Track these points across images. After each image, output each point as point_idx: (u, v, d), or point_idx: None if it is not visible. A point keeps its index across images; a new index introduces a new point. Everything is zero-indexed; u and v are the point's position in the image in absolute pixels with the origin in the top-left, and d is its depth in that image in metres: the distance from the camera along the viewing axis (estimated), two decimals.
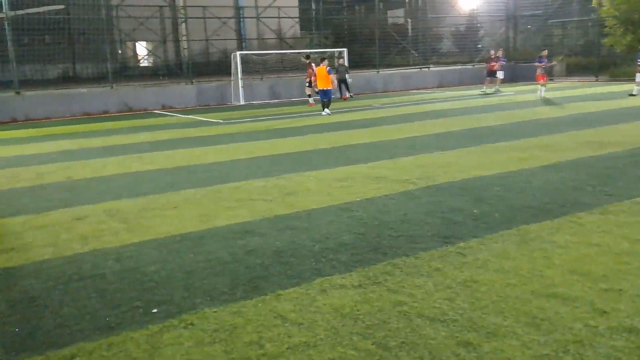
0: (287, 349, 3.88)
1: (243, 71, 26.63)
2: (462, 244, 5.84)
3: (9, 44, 22.58)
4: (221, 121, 19.45)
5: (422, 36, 35.24)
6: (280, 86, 28.51)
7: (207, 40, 33.64)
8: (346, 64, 28.65)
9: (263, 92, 28.09)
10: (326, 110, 19.86)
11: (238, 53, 26.80)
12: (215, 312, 4.51)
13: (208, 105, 26.46)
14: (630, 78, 30.36)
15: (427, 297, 4.59)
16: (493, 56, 27.65)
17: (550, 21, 37.07)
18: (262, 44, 34.02)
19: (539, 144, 11.85)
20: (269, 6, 31.49)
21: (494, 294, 4.61)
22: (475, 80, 34.65)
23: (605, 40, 32.06)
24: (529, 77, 33.18)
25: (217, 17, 31.41)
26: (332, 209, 7.41)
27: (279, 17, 34.24)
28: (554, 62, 25.40)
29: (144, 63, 36.76)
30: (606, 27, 31.66)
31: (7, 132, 18.83)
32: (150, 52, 34.07)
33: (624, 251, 5.48)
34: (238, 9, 36.33)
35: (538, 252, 5.56)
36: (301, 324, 4.24)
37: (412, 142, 12.93)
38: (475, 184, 8.47)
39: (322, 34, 35.20)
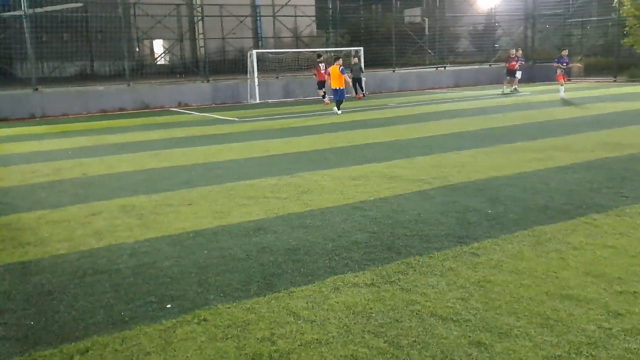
0: (299, 345, 3.90)
1: (259, 69, 26.70)
2: (476, 244, 5.82)
3: (28, 41, 22.83)
4: (236, 119, 19.52)
5: (439, 35, 35.12)
6: (295, 85, 28.55)
7: (223, 38, 33.77)
8: (362, 63, 28.62)
9: (278, 90, 28.16)
10: (335, 109, 19.80)
11: (254, 51, 26.87)
12: (228, 308, 4.53)
13: (224, 104, 26.56)
14: None
15: (440, 297, 4.58)
16: (513, 55, 27.43)
17: (570, 21, 36.72)
18: (278, 42, 34.06)
19: (555, 144, 11.75)
20: (286, 4, 31.55)
21: (508, 295, 4.58)
22: (492, 80, 34.48)
23: (625, 41, 31.70)
24: (546, 77, 32.98)
25: (233, 16, 31.52)
26: (346, 208, 7.41)
27: (295, 16, 34.29)
28: (577, 65, 25.04)
29: (160, 61, 36.99)
30: (626, 26, 31.31)
31: (24, 128, 19.05)
32: (167, 50, 34.28)
33: (639, 253, 5.43)
34: (255, 7, 36.43)
35: (553, 253, 5.52)
36: (313, 321, 4.25)
37: (427, 141, 12.89)
38: (490, 184, 8.42)
39: (339, 32, 35.18)
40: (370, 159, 10.87)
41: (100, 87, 24.91)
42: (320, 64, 25.04)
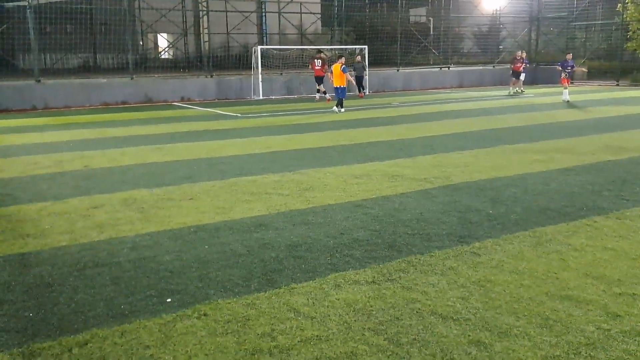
0: (299, 342, 3.91)
1: (263, 66, 26.68)
2: (477, 244, 5.83)
3: (31, 32, 22.82)
4: (239, 115, 19.52)
5: (444, 35, 35.06)
6: (299, 82, 28.52)
7: (228, 33, 33.74)
8: (366, 61, 28.59)
9: (282, 87, 28.14)
10: (335, 107, 19.74)
11: (259, 47, 26.85)
12: (228, 303, 4.54)
13: (227, 99, 26.55)
14: None
15: (440, 296, 4.59)
16: (519, 57, 27.43)
17: (574, 24, 36.68)
18: (283, 39, 34.03)
19: (557, 146, 11.75)
20: (291, 1, 31.52)
21: (508, 295, 4.60)
22: (495, 81, 34.47)
23: (629, 45, 31.67)
24: (549, 80, 32.95)
25: (238, 11, 31.48)
26: (348, 206, 7.42)
27: (300, 13, 34.26)
28: (582, 69, 24.92)
29: (164, 55, 36.98)
30: (630, 31, 31.28)
31: (26, 119, 19.05)
32: (171, 44, 34.26)
33: (639, 256, 5.44)
34: (260, 3, 36.38)
35: (553, 254, 5.53)
36: (314, 317, 4.26)
37: (430, 141, 12.89)
38: (492, 185, 8.43)
39: (344, 30, 35.16)
40: (372, 157, 10.87)
41: (103, 80, 24.88)
42: (315, 59, 24.93)
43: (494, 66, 35.95)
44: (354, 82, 25.03)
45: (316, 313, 4.33)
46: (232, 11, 31.72)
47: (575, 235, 6.09)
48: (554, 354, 3.69)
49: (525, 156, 10.69)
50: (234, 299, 4.61)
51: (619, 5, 32.08)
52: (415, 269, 5.20)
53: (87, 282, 5.04)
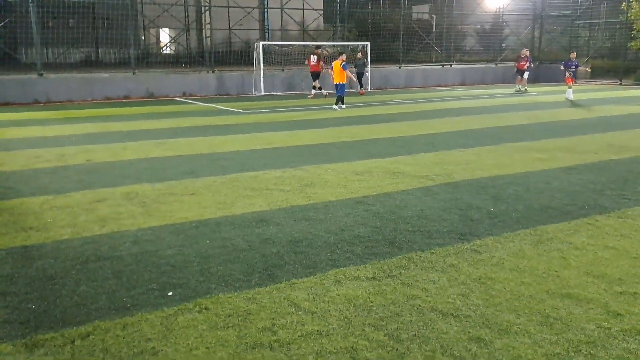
0: (299, 336, 3.92)
1: (264, 62, 26.65)
2: (478, 242, 5.85)
3: (34, 26, 22.80)
4: (241, 111, 19.52)
5: (447, 33, 35.00)
6: (301, 78, 28.49)
7: (230, 29, 33.71)
8: (368, 58, 28.56)
9: (284, 83, 28.12)
10: (335, 105, 19.69)
11: (261, 43, 26.83)
12: (229, 297, 4.56)
13: (228, 95, 26.54)
14: None
15: (441, 292, 4.61)
16: (523, 55, 27.43)
17: (578, 22, 36.61)
18: (285, 35, 33.99)
19: (559, 145, 11.75)
20: None
21: (508, 292, 4.61)
22: (498, 79, 34.46)
23: (632, 44, 31.61)
24: (552, 78, 32.92)
25: (241, 7, 31.45)
26: (349, 202, 7.43)
27: (303, 9, 34.20)
28: (586, 69, 24.79)
29: (166, 50, 36.94)
30: (634, 30, 31.21)
31: (28, 113, 19.06)
32: (173, 40, 34.24)
33: None
34: None
35: (554, 252, 5.54)
36: (314, 312, 4.27)
37: (431, 138, 12.89)
38: (493, 183, 8.43)
39: (346, 27, 35.11)
40: (374, 154, 10.88)
41: (105, 74, 24.87)
42: (311, 55, 24.79)
43: (496, 64, 35.90)
44: (355, 79, 24.91)
45: (317, 308, 4.35)
46: (234, 7, 31.66)
47: (577, 234, 6.10)
48: (554, 351, 3.71)
49: (527, 154, 10.70)
50: (235, 294, 4.63)
51: (623, 3, 32.01)
52: (416, 265, 5.21)
53: (90, 275, 5.06)
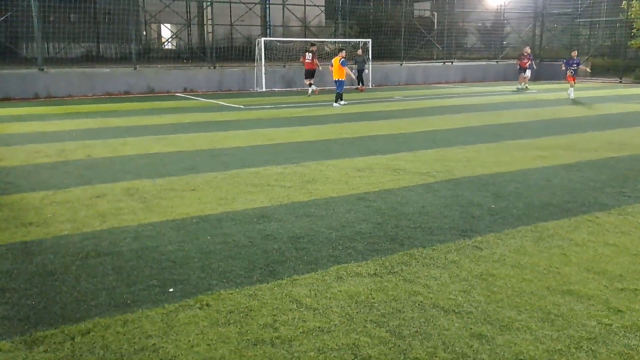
0: (301, 333, 3.92)
1: (266, 58, 26.63)
2: (479, 238, 5.84)
3: (35, 21, 22.77)
4: (242, 107, 19.50)
5: (448, 30, 34.95)
6: (302, 74, 28.43)
7: (231, 25, 33.66)
8: (370, 55, 28.51)
9: (285, 79, 28.09)
10: (335, 103, 19.64)
11: (262, 39, 26.79)
12: (231, 294, 4.55)
13: (230, 90, 26.53)
14: None
15: (442, 289, 4.60)
16: (525, 54, 27.43)
17: (578, 20, 36.58)
18: (287, 31, 33.93)
19: (560, 143, 11.74)
20: None
21: (510, 289, 4.61)
22: (499, 76, 34.44)
23: (633, 42, 31.59)
24: (553, 76, 32.90)
25: (242, 3, 31.40)
26: (350, 198, 7.42)
27: (304, 5, 34.16)
28: (586, 68, 24.71)
29: (167, 46, 36.90)
30: (634, 28, 31.19)
31: (29, 108, 19.04)
32: (175, 35, 34.18)
33: None
34: None
35: (555, 249, 5.54)
36: (316, 309, 4.27)
37: (432, 135, 12.88)
38: (494, 180, 8.43)
39: (347, 23, 35.06)
40: (375, 150, 10.87)
41: (106, 70, 24.83)
42: (306, 53, 24.57)
43: (497, 62, 35.88)
44: (354, 76, 24.67)
45: (318, 304, 4.34)
46: (236, 2, 31.63)
47: (577, 231, 6.09)
48: (556, 347, 3.70)
49: (528, 152, 10.69)
50: (236, 290, 4.62)
51: (624, 2, 31.98)
52: (418, 262, 5.21)
53: (90, 271, 5.05)
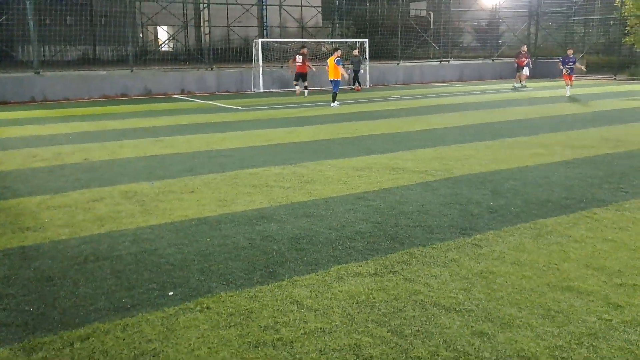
0: (302, 334, 3.91)
1: (263, 59, 26.59)
2: (478, 236, 5.84)
3: (31, 24, 22.71)
4: (240, 108, 19.49)
5: (444, 29, 34.97)
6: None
7: (228, 26, 33.61)
8: (367, 55, 28.49)
9: (282, 80, 28.06)
10: (333, 103, 19.61)
11: (259, 40, 26.76)
12: (231, 296, 4.54)
13: (227, 92, 26.50)
14: None
15: (443, 287, 4.60)
16: (523, 52, 27.51)
17: (573, 19, 36.66)
18: (284, 32, 33.91)
19: (557, 140, 11.76)
20: None
21: (510, 286, 4.61)
22: (495, 75, 34.49)
23: (626, 40, 31.68)
24: (548, 74, 32.97)
25: (239, 4, 31.36)
26: (349, 198, 7.41)
27: (301, 6, 34.12)
28: (582, 67, 24.65)
29: (164, 47, 36.85)
30: (628, 26, 31.30)
31: (25, 111, 19.00)
32: (172, 37, 34.13)
33: (639, 247, 5.49)
34: None
35: (554, 245, 5.55)
36: (317, 310, 4.26)
37: (430, 134, 12.89)
38: (492, 178, 8.43)
39: (344, 24, 35.06)
40: (373, 150, 10.87)
41: (102, 72, 24.78)
42: (297, 55, 24.17)
43: (493, 60, 35.93)
44: (347, 76, 24.08)
45: (319, 305, 4.33)
46: (232, 4, 31.57)
47: (575, 227, 6.10)
48: (557, 344, 3.70)
49: (525, 149, 10.70)
50: (237, 292, 4.61)
51: (617, 0, 32.07)
52: (418, 260, 5.21)
53: (88, 276, 5.02)
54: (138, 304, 4.45)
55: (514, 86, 27.48)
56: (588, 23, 37.84)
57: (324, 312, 4.21)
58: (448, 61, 34.41)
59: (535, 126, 13.84)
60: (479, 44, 40.68)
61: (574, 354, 3.59)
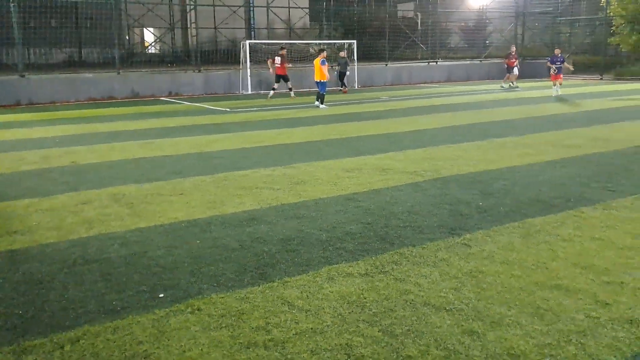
0: (294, 334, 3.91)
1: (251, 60, 26.58)
2: (468, 236, 5.87)
3: (15, 26, 22.53)
4: (228, 110, 19.46)
5: (432, 30, 35.13)
6: (289, 76, 28.41)
7: (215, 28, 33.58)
8: (355, 56, 28.54)
9: (271, 81, 28.02)
10: (318, 103, 19.58)
11: (247, 42, 26.74)
12: (222, 297, 4.53)
13: (215, 94, 26.45)
14: (636, 77, 30.33)
15: (433, 287, 4.62)
16: (514, 53, 27.71)
17: (559, 19, 36.96)
18: (271, 33, 33.93)
19: (545, 140, 11.84)
20: None
21: (499, 285, 4.64)
22: (483, 75, 34.69)
23: (612, 40, 31.96)
24: (535, 74, 33.20)
25: (226, 6, 31.33)
26: (339, 199, 7.43)
27: (289, 7, 34.16)
28: (570, 67, 24.76)
29: (151, 50, 36.72)
30: (613, 26, 31.58)
31: (11, 115, 18.85)
32: (158, 39, 34.03)
33: (626, 246, 5.53)
34: None
35: (542, 244, 5.59)
36: (308, 310, 4.26)
37: (419, 135, 12.93)
38: (481, 178, 8.48)
39: (332, 25, 35.12)
40: (363, 151, 10.89)
41: (89, 75, 24.64)
42: (276, 57, 23.72)
43: (481, 61, 36.13)
44: (327, 76, 23.33)
45: (310, 306, 4.34)
46: (219, 5, 31.55)
47: (564, 226, 6.15)
48: (546, 342, 3.74)
49: (514, 149, 10.77)
50: (228, 294, 4.60)
51: (603, 0, 32.35)
52: (408, 260, 5.23)
53: (78, 279, 5.00)
54: (128, 306, 4.43)
55: (502, 86, 27.65)
56: (574, 23, 38.17)
57: (315, 313, 4.22)
58: (436, 62, 34.57)
59: (523, 126, 13.93)
60: (466, 45, 40.90)
61: (563, 352, 3.62)
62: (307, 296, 4.51)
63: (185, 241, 5.92)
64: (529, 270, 4.95)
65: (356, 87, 28.74)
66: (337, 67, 26.28)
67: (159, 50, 37.14)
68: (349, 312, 4.21)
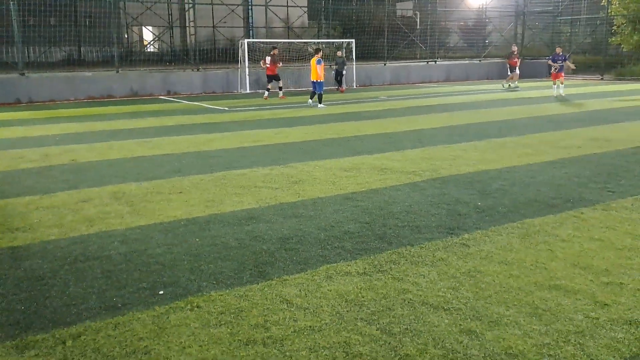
0: (292, 332, 3.94)
1: (249, 59, 26.58)
2: (466, 236, 5.90)
3: (15, 25, 22.53)
4: (226, 108, 19.47)
5: (431, 30, 35.15)
6: (286, 75, 28.44)
7: (214, 27, 33.58)
8: (353, 55, 28.55)
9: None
10: (312, 102, 19.51)
11: (246, 41, 26.73)
12: (221, 295, 4.56)
13: (214, 93, 26.46)
14: (637, 77, 30.34)
15: (431, 286, 4.65)
16: (515, 52, 27.68)
17: (560, 18, 36.96)
18: (270, 32, 33.90)
19: (544, 139, 11.87)
20: None
21: (497, 285, 4.66)
22: (482, 75, 34.70)
23: (613, 39, 31.96)
24: (535, 74, 33.20)
25: (225, 4, 31.32)
26: (338, 198, 7.45)
27: (287, 6, 34.14)
28: (571, 66, 24.70)
29: (150, 48, 36.70)
30: (614, 25, 31.56)
31: (11, 113, 18.84)
32: (157, 38, 34.00)
33: (625, 246, 5.54)
34: None
35: (541, 245, 5.61)
36: (307, 308, 4.29)
37: (418, 134, 12.95)
38: (480, 178, 8.50)
39: (330, 24, 35.11)
40: (361, 150, 10.91)
41: (88, 73, 24.63)
42: (267, 57, 23.54)
43: (480, 60, 36.14)
44: (322, 75, 23.15)
45: (309, 304, 4.36)
46: (218, 4, 31.53)
47: (563, 227, 6.17)
48: (544, 342, 3.76)
49: (513, 149, 10.79)
50: (227, 291, 4.63)
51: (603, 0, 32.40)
52: (406, 260, 5.25)
53: (79, 275, 5.03)
54: (129, 303, 4.46)
55: (502, 86, 27.62)
56: (575, 23, 38.15)
57: (314, 311, 4.25)
58: (435, 61, 34.57)
59: (522, 126, 13.95)
60: (466, 44, 40.91)
61: (561, 352, 3.65)
62: (306, 294, 4.54)
63: (185, 239, 5.95)
64: (528, 270, 4.97)
65: (354, 87, 28.75)
66: (334, 67, 26.29)
67: (158, 48, 37.12)
68: (347, 311, 4.24)
